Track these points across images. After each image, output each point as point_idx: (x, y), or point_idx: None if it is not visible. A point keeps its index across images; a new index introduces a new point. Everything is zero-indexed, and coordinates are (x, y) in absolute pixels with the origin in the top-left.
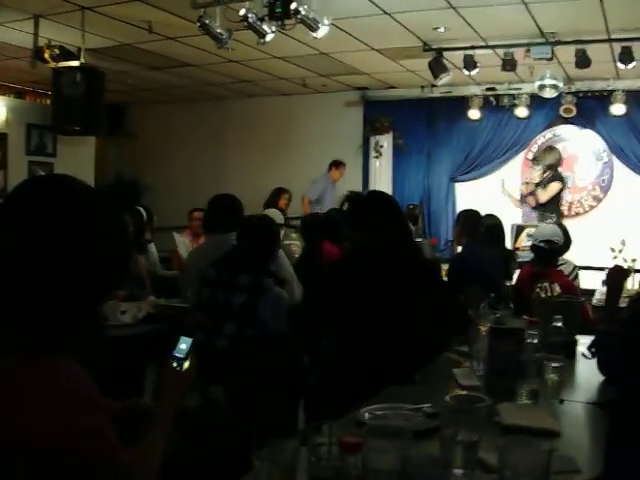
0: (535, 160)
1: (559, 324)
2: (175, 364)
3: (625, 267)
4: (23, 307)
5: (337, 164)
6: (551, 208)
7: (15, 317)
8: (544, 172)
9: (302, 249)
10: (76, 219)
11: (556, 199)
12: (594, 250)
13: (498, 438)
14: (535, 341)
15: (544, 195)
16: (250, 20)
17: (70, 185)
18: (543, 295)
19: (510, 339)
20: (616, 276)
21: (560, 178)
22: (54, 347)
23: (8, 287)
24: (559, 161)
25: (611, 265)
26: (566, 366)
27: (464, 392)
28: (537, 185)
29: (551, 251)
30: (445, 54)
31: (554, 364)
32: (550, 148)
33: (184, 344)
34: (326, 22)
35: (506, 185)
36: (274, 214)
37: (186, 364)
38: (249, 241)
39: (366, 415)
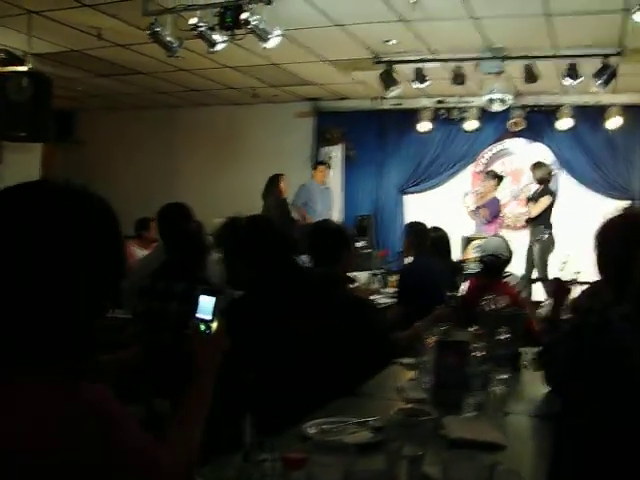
0: (489, 173)
1: (504, 336)
2: (203, 327)
3: (569, 279)
4: (53, 324)
5: (315, 165)
6: (542, 221)
7: (44, 335)
8: (536, 187)
9: None
10: (79, 225)
11: (547, 213)
12: None
13: (443, 452)
14: (480, 354)
15: (535, 209)
16: (201, 29)
17: (60, 192)
18: (488, 307)
19: (456, 352)
20: (558, 289)
21: (550, 192)
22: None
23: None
24: (549, 175)
25: (557, 276)
26: (512, 378)
27: (410, 405)
28: (529, 200)
29: (496, 265)
30: (395, 67)
31: (499, 376)
32: (539, 163)
33: (207, 304)
34: (277, 33)
35: (466, 197)
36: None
37: (214, 325)
38: (179, 250)
39: (311, 430)
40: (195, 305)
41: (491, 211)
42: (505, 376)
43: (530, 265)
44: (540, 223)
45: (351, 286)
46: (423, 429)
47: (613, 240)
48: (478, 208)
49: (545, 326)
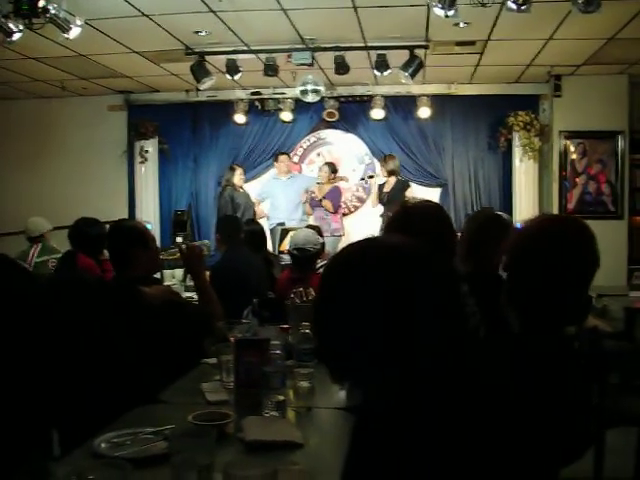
0: (328, 165)
1: (307, 330)
2: None
3: None
4: None
5: (275, 156)
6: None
7: None
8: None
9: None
10: None
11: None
12: None
13: (241, 456)
14: (281, 350)
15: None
16: None
17: None
18: (298, 300)
19: (255, 350)
20: None
21: (408, 184)
22: None
23: None
24: (398, 167)
25: None
26: (318, 372)
27: (209, 409)
28: (387, 199)
29: (305, 258)
30: (208, 58)
31: (303, 371)
32: (391, 155)
33: None
34: (78, 23)
35: (310, 189)
36: (39, 222)
37: None
38: None
39: (102, 444)
40: None
41: (333, 202)
42: (310, 370)
43: None
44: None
45: (147, 289)
46: (210, 437)
47: None
48: (320, 201)
49: None
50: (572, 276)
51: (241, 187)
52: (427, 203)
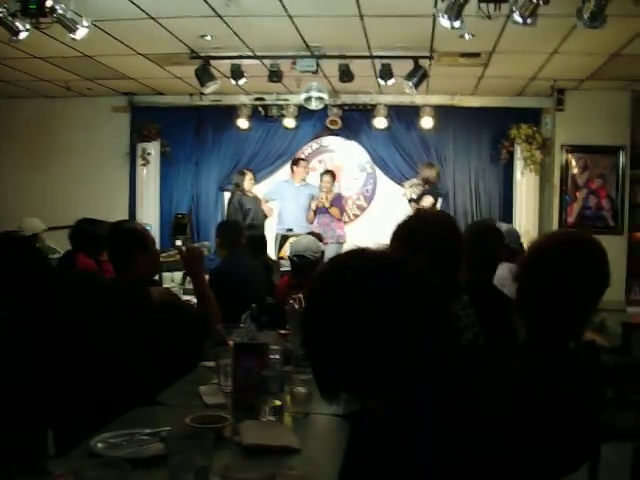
0: (326, 172)
1: None
2: None
3: None
4: None
5: (294, 161)
6: None
7: None
8: (422, 186)
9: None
10: None
11: None
12: None
13: (238, 459)
14: (279, 355)
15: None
16: (0, 15)
17: None
18: (297, 306)
19: (254, 354)
20: None
21: (432, 192)
22: None
23: None
24: (435, 177)
25: None
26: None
27: (207, 412)
28: (410, 201)
29: (305, 265)
30: (213, 62)
31: (302, 377)
32: (429, 164)
33: None
34: (85, 23)
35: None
36: (33, 223)
37: None
38: None
39: (99, 444)
40: None
41: (340, 208)
42: (308, 376)
43: None
44: None
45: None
46: (208, 439)
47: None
48: (328, 209)
49: None
50: (579, 291)
51: (249, 191)
52: (437, 212)
